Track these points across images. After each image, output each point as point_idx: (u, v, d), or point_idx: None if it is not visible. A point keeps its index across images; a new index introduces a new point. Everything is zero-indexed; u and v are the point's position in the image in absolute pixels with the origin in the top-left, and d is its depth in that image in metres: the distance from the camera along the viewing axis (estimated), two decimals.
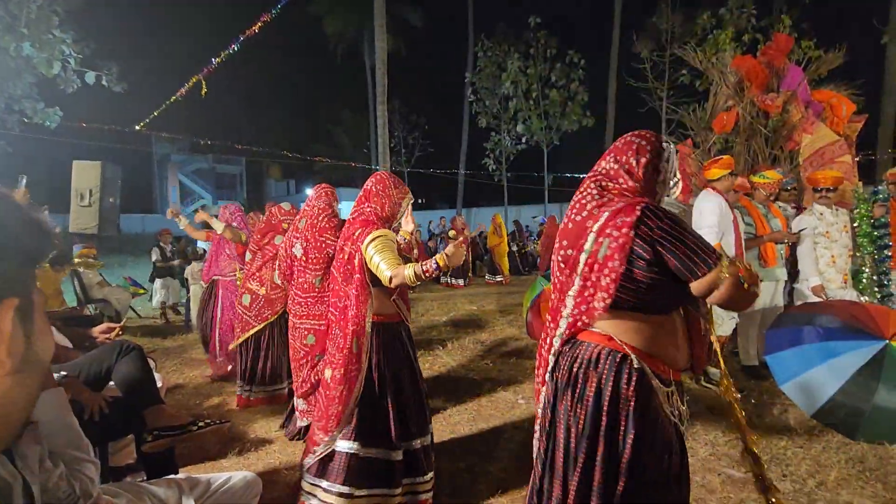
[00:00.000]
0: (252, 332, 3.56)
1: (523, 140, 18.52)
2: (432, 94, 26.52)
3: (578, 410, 1.35)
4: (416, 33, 22.19)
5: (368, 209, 2.22)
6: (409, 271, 1.92)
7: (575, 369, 1.38)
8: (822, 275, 3.82)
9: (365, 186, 2.27)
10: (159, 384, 2.51)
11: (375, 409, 2.12)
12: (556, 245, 1.49)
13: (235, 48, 6.45)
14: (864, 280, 3.99)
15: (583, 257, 1.35)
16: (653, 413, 1.31)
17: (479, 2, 21.62)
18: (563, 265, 1.44)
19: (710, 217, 3.59)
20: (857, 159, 5.24)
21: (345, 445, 2.08)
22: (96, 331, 2.37)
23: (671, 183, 1.46)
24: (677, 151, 1.38)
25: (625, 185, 1.41)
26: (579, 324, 1.38)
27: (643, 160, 1.41)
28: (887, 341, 2.91)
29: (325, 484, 2.07)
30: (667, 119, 13.57)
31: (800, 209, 4.54)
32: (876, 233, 3.99)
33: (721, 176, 3.74)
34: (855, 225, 4.02)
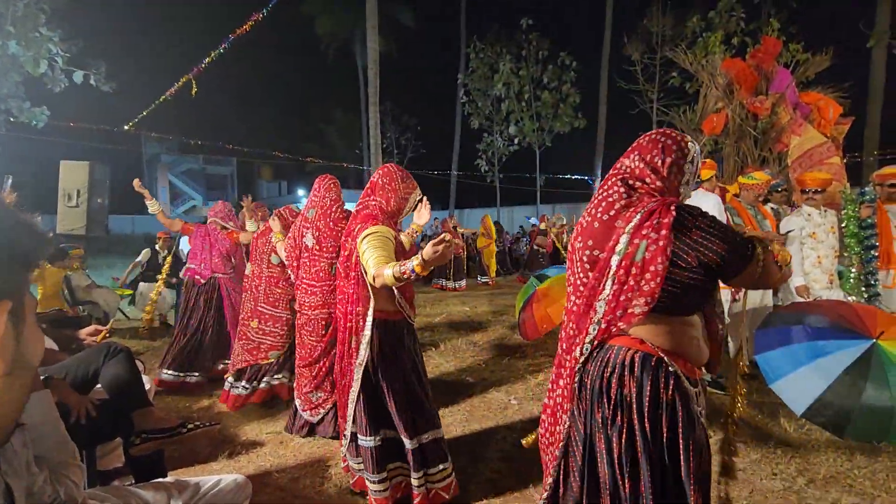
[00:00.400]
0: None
1: (515, 141, 18.57)
2: (424, 95, 26.55)
3: (619, 418, 1.30)
4: (408, 34, 22.21)
5: (373, 203, 2.16)
6: (388, 271, 1.85)
7: (607, 375, 1.33)
8: (807, 275, 3.87)
9: (371, 179, 2.22)
10: (147, 386, 2.48)
11: (380, 404, 2.15)
12: (577, 245, 1.42)
13: (226, 47, 6.40)
14: (852, 280, 4.03)
15: (615, 259, 1.30)
16: (692, 415, 1.29)
17: (471, 3, 21.69)
18: (588, 266, 1.39)
19: (714, 213, 3.64)
20: (844, 161, 5.31)
21: (367, 442, 2.15)
22: (83, 333, 2.34)
23: (691, 185, 1.42)
24: (700, 153, 1.35)
25: (652, 185, 1.36)
26: (613, 329, 1.33)
27: (668, 160, 1.37)
28: (874, 340, 2.94)
29: (367, 475, 2.19)
30: (657, 121, 13.69)
31: (794, 209, 4.59)
32: (863, 233, 4.04)
33: (710, 177, 3.83)
34: (843, 226, 4.07)
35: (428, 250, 1.77)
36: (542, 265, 8.66)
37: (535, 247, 10.48)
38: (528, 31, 17.07)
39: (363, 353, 2.09)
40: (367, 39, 11.92)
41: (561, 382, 1.49)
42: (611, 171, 1.46)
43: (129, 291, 7.77)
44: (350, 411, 2.16)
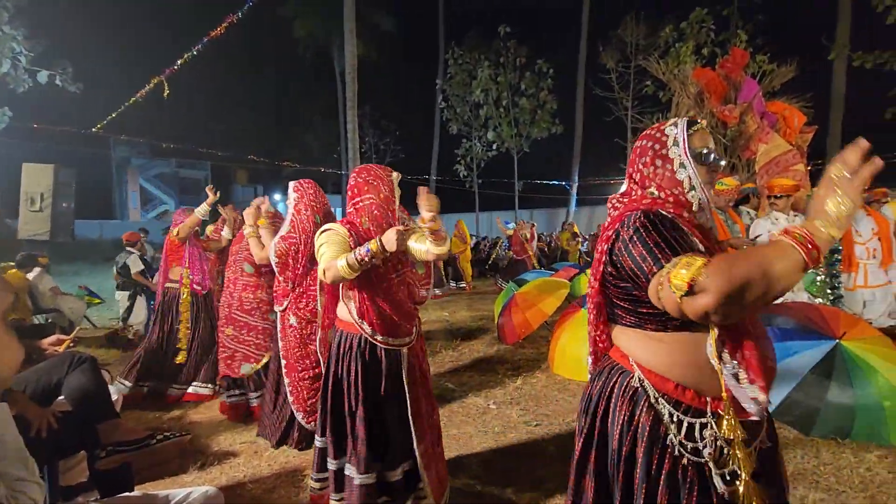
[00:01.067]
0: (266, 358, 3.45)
1: (494, 147, 18.72)
2: (403, 100, 26.48)
3: (585, 426, 1.27)
4: (387, 38, 22.17)
5: (366, 202, 2.09)
6: (342, 262, 1.83)
7: (595, 389, 1.27)
8: None
9: (350, 184, 2.15)
10: (114, 397, 2.39)
11: (344, 422, 2.02)
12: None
13: (200, 49, 6.28)
14: (818, 283, 4.18)
15: (603, 269, 1.28)
16: (661, 446, 1.13)
17: (449, 9, 21.84)
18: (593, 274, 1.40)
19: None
20: (808, 168, 5.52)
21: (331, 464, 2.04)
22: (45, 342, 2.25)
23: (711, 160, 1.24)
24: (695, 130, 1.24)
25: (634, 195, 1.28)
26: (600, 343, 1.32)
27: (647, 160, 1.26)
28: (837, 341, 3.06)
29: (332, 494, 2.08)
30: (632, 127, 13.99)
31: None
32: None
33: None
34: None
35: (389, 235, 1.84)
36: (517, 271, 8.68)
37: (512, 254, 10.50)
38: (506, 38, 17.28)
39: (329, 364, 2.04)
40: (345, 43, 11.86)
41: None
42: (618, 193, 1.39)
43: (97, 300, 7.49)
44: (320, 421, 2.10)
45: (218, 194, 3.92)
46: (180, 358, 3.91)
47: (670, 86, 6.58)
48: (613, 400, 1.20)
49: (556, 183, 19.52)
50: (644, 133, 1.33)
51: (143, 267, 6.17)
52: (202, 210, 3.96)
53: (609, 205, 1.34)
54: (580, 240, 13.34)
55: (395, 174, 2.21)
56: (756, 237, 4.06)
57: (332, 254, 1.90)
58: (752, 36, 9.35)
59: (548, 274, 6.71)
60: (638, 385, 1.17)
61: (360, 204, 2.08)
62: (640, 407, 1.15)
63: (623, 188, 1.35)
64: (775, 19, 11.93)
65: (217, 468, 2.76)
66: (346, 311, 2.03)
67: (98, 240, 20.08)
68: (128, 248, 6.23)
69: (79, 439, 1.96)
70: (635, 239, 1.10)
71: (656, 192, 1.24)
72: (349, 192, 2.14)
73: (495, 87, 17.76)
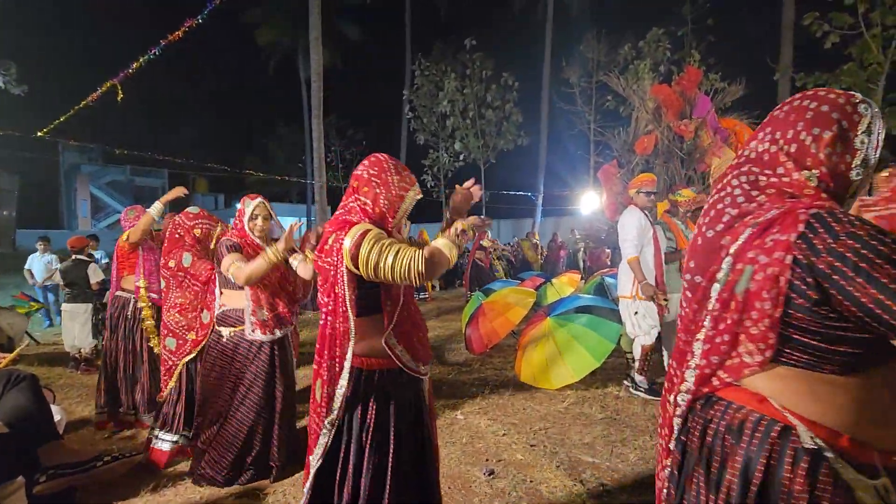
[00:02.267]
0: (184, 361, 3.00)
1: (461, 157, 18.88)
2: (370, 109, 26.44)
3: (714, 500, 0.96)
4: (353, 47, 22.13)
5: (353, 204, 1.62)
6: (440, 245, 1.53)
7: (710, 439, 0.99)
8: None
9: (355, 173, 1.66)
10: (57, 418, 2.23)
11: (343, 487, 1.55)
12: (685, 264, 1.14)
13: (157, 53, 6.06)
14: None
15: (715, 289, 0.98)
16: None
17: (416, 21, 22.01)
18: (689, 294, 1.08)
19: (630, 231, 3.85)
20: None
21: None
22: None
23: (872, 165, 0.95)
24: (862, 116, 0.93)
25: (788, 179, 0.95)
26: (714, 381, 0.99)
27: (826, 136, 0.92)
28: None
29: None
30: (595, 140, 14.42)
31: None
32: None
33: (636, 190, 4.07)
34: None
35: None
36: (483, 280, 8.72)
37: (476, 261, 10.48)
38: (472, 51, 17.54)
39: (336, 410, 1.54)
40: (310, 51, 11.75)
41: (664, 432, 1.15)
42: (734, 161, 1.07)
43: (39, 304, 7.01)
44: (308, 483, 1.57)
45: (185, 190, 3.44)
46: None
47: (630, 101, 6.83)
48: (754, 456, 0.91)
49: (522, 193, 19.85)
50: (820, 95, 0.96)
51: (104, 277, 5.53)
52: (156, 209, 3.43)
53: (737, 179, 1.00)
54: (541, 250, 13.61)
55: (414, 189, 1.69)
56: None
57: (398, 246, 1.46)
58: (705, 56, 9.84)
59: (514, 283, 6.77)
60: (812, 444, 0.88)
61: (352, 203, 1.64)
62: (818, 472, 0.87)
63: (748, 153, 1.02)
64: (725, 41, 12.62)
65: (171, 490, 2.61)
66: (377, 341, 1.58)
67: None
68: (77, 256, 5.43)
69: (16, 463, 1.81)
70: (876, 262, 0.79)
71: (815, 181, 0.93)
72: (350, 184, 1.68)
73: (462, 98, 17.95)
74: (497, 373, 4.72)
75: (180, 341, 3.01)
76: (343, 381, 1.53)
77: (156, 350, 3.45)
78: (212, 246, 3.12)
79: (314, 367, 1.60)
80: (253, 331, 2.62)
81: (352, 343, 1.53)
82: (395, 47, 22.50)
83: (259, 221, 2.68)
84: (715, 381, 0.99)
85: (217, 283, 2.81)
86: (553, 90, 17.64)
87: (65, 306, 5.43)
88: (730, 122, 6.22)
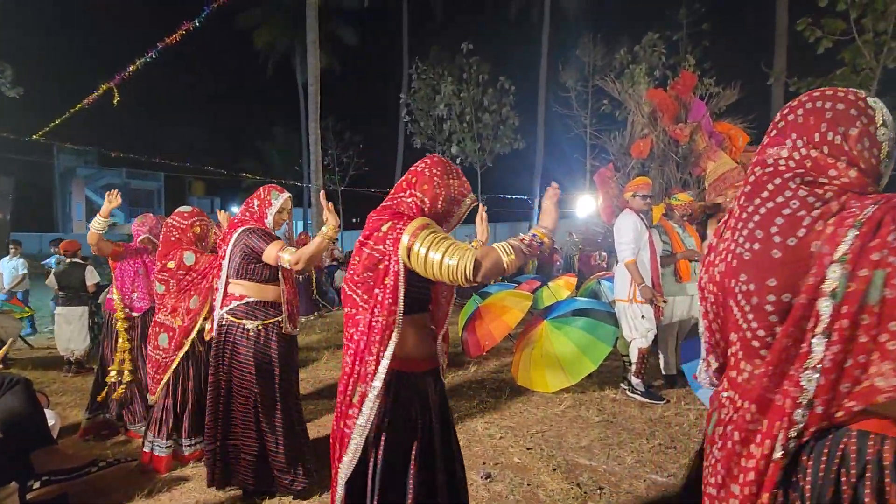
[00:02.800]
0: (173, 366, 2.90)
1: (457, 161, 18.91)
2: (367, 113, 26.48)
3: None
4: (350, 50, 22.19)
5: (410, 200, 1.56)
6: (502, 248, 1.38)
7: (845, 480, 0.86)
8: None
9: (413, 169, 1.62)
10: (52, 422, 2.22)
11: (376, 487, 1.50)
12: (731, 284, 0.99)
13: (154, 55, 6.05)
14: None
15: (825, 305, 0.85)
16: None
17: (413, 24, 22.09)
18: (758, 315, 0.94)
19: (627, 234, 3.87)
20: None
21: None
22: None
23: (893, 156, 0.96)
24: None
25: (844, 179, 0.92)
26: (839, 413, 0.85)
27: (853, 132, 0.92)
28: None
29: None
30: (591, 144, 14.48)
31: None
32: None
33: (632, 194, 4.08)
34: None
35: (552, 214, 1.71)
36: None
37: None
38: (469, 55, 17.60)
39: (368, 412, 1.45)
40: (307, 54, 11.77)
41: (735, 490, 0.97)
42: (758, 171, 1.00)
43: (29, 311, 6.95)
44: (339, 493, 1.51)
45: (119, 198, 3.28)
46: (116, 393, 3.31)
47: (626, 105, 6.86)
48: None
49: (519, 197, 19.90)
50: (829, 94, 0.96)
51: (99, 279, 5.54)
52: (98, 223, 3.26)
53: (785, 185, 0.93)
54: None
55: (469, 196, 1.70)
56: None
57: (450, 242, 1.39)
58: (700, 60, 9.92)
59: (511, 287, 6.78)
60: None
61: (408, 198, 1.57)
62: None
63: (782, 162, 0.97)
64: (720, 45, 12.73)
65: (166, 495, 2.60)
66: (419, 341, 1.55)
67: (37, 254, 18.85)
68: (72, 260, 5.43)
69: (9, 469, 1.79)
70: None
71: (854, 176, 0.92)
72: (404, 178, 1.62)
73: (459, 102, 18.01)
74: (493, 376, 4.71)
75: (170, 333, 2.91)
76: (378, 382, 1.44)
77: (124, 379, 3.31)
78: (211, 241, 3.12)
79: (346, 364, 1.51)
80: (291, 325, 2.56)
81: (394, 340, 1.44)
82: (392, 51, 22.58)
83: (285, 215, 2.62)
84: (840, 414, 0.85)
85: (224, 275, 2.52)
86: (549, 94, 17.73)
87: (59, 310, 5.40)
88: (724, 126, 6.26)
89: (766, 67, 11.19)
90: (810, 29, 8.14)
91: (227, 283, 2.52)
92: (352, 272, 1.54)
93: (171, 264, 2.92)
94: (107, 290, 4.98)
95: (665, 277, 4.11)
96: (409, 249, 1.39)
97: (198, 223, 3.04)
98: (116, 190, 3.29)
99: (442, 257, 1.36)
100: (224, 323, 2.47)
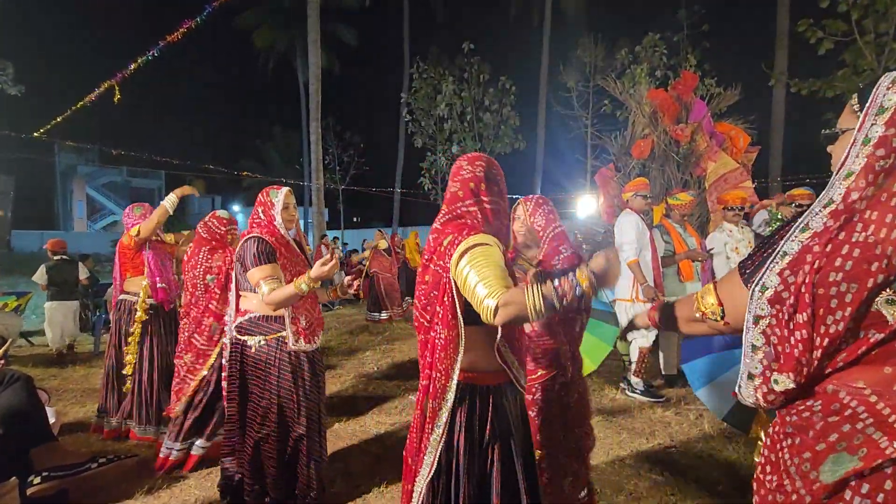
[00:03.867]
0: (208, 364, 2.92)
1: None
2: (368, 113, 26.53)
3: None
4: (351, 50, 22.18)
5: (473, 208, 1.51)
6: (538, 299, 1.24)
7: None
8: None
9: (476, 174, 1.52)
10: (52, 419, 2.23)
11: None
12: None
13: (155, 54, 6.06)
14: None
15: None
16: None
17: (414, 24, 22.09)
18: None
19: (629, 233, 3.87)
20: (753, 185, 5.86)
21: None
22: None
23: None
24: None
25: None
26: None
27: None
28: None
29: None
30: (592, 144, 14.48)
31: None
32: None
33: (630, 195, 4.10)
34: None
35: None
36: None
37: None
38: (470, 55, 17.61)
39: (441, 428, 1.42)
40: (308, 54, 11.77)
41: None
42: None
43: (30, 294, 6.92)
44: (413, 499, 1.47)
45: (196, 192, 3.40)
46: (127, 385, 3.30)
47: (627, 105, 6.86)
48: None
49: (519, 197, 19.94)
50: None
51: (89, 274, 5.90)
52: (171, 201, 3.28)
53: None
54: None
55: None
56: (710, 249, 4.24)
57: (498, 278, 1.30)
58: (701, 61, 9.91)
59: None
60: None
61: (483, 205, 1.53)
62: None
63: None
64: (721, 46, 12.72)
65: (166, 492, 2.60)
66: (486, 353, 1.48)
67: (38, 252, 18.87)
68: (61, 257, 5.78)
69: (10, 464, 1.80)
70: None
71: None
72: (468, 182, 1.53)
73: (459, 101, 18.01)
74: None
75: (197, 355, 2.92)
76: (449, 396, 1.41)
77: (126, 370, 3.28)
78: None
79: (422, 380, 1.48)
80: (297, 340, 2.34)
81: (460, 354, 1.40)
82: (392, 50, 22.60)
83: (291, 210, 2.47)
84: None
85: (234, 287, 2.44)
86: (550, 94, 17.73)
87: (49, 304, 5.61)
88: (724, 126, 6.26)
89: (767, 68, 11.20)
90: (811, 30, 8.14)
91: (238, 297, 2.42)
92: (419, 294, 1.51)
93: (217, 262, 2.93)
94: (110, 287, 5.06)
95: (667, 277, 4.11)
96: (457, 265, 1.36)
97: (231, 232, 3.07)
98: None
99: (475, 284, 1.30)
100: (234, 341, 2.37)
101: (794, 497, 0.90)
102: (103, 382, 3.41)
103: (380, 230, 9.76)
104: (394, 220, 22.88)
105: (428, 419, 1.43)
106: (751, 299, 0.96)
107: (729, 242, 4.22)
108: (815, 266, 0.89)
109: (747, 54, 13.47)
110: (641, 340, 3.96)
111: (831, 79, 8.69)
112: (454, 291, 1.39)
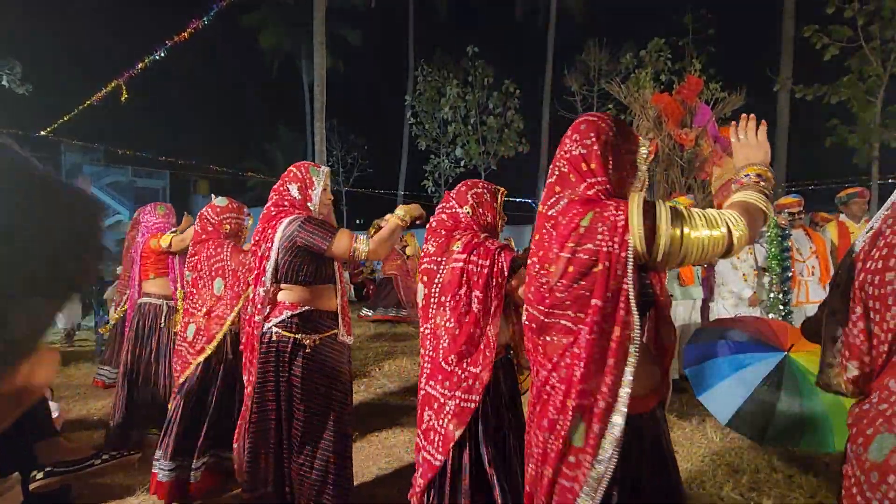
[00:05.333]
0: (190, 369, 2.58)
1: (462, 163, 18.95)
2: (372, 114, 26.59)
3: None
4: (355, 51, 22.27)
5: (589, 192, 1.23)
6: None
7: None
8: (734, 293, 4.19)
9: (591, 140, 1.29)
10: (55, 414, 2.24)
11: None
12: None
13: (161, 54, 6.10)
14: (771, 298, 4.39)
15: None
16: None
17: (418, 26, 22.17)
18: None
19: None
20: None
21: None
22: None
23: None
24: None
25: None
26: None
27: None
28: (786, 353, 3.21)
29: None
30: None
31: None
32: (780, 256, 4.43)
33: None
34: (766, 247, 4.44)
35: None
36: None
37: None
38: (474, 58, 17.65)
39: (605, 459, 1.10)
40: (313, 55, 11.81)
41: None
42: None
43: None
44: None
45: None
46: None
47: (631, 109, 6.87)
48: None
49: (523, 200, 19.91)
50: None
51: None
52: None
53: None
54: None
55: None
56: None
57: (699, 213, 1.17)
58: (706, 66, 9.92)
59: None
60: None
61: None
62: None
63: None
64: (726, 51, 12.73)
65: None
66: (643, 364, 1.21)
67: None
68: None
69: (12, 460, 1.81)
70: None
71: None
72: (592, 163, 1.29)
73: (463, 104, 18.05)
74: None
75: (198, 325, 2.59)
76: (618, 418, 1.09)
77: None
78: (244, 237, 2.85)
79: (550, 399, 1.18)
80: (345, 333, 2.18)
81: (633, 360, 1.10)
82: (397, 52, 22.66)
83: (329, 192, 2.25)
84: None
85: (269, 280, 2.06)
86: (554, 97, 17.75)
87: None
88: (729, 130, 6.26)
89: (772, 73, 11.18)
90: (817, 35, 8.14)
91: (274, 290, 2.10)
92: (547, 288, 1.18)
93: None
94: (113, 285, 5.12)
95: (668, 282, 4.11)
96: (653, 230, 1.08)
97: (227, 220, 2.78)
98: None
99: (699, 234, 1.08)
100: (274, 338, 2.04)
101: (853, 480, 0.95)
102: (117, 395, 3.18)
103: (411, 233, 9.61)
104: None
105: (578, 447, 1.12)
106: (829, 294, 1.06)
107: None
108: (871, 267, 0.97)
109: (752, 59, 13.46)
110: None
111: (836, 84, 8.68)
112: (624, 280, 1.09)
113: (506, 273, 1.72)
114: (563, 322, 1.16)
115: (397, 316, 7.96)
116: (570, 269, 1.13)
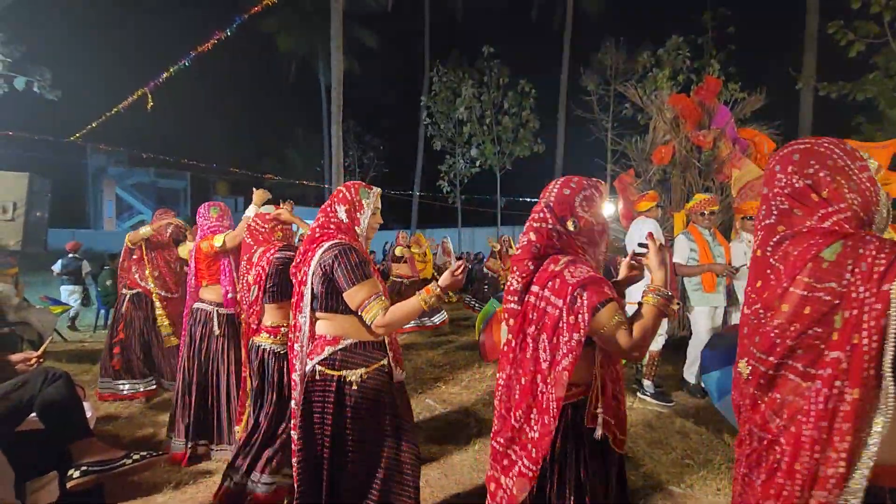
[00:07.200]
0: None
1: (477, 164, 18.96)
2: (388, 115, 26.72)
3: None
4: (371, 53, 22.42)
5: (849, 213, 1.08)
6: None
7: None
8: None
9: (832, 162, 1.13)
10: (89, 414, 2.34)
11: None
12: None
13: (186, 63, 6.25)
14: None
15: None
16: None
17: (434, 28, 22.24)
18: None
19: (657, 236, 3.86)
20: None
21: None
22: (15, 359, 2.18)
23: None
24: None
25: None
26: None
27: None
28: None
29: None
30: (612, 149, 14.35)
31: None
32: None
33: (650, 207, 4.11)
34: None
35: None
36: (485, 293, 8.49)
37: (486, 270, 9.64)
38: (490, 58, 17.63)
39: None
40: (331, 58, 11.95)
41: None
42: None
43: (61, 308, 7.29)
44: None
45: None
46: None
47: (648, 110, 6.80)
48: None
49: (538, 200, 19.87)
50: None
51: (90, 269, 8.64)
52: (252, 210, 3.14)
53: None
54: None
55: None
56: (741, 266, 4.05)
57: None
58: (725, 65, 9.75)
59: None
60: None
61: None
62: None
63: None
64: (747, 49, 12.47)
65: (192, 487, 2.70)
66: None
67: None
68: (73, 255, 8.52)
69: (51, 458, 1.91)
70: None
71: None
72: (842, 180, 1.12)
73: (479, 105, 18.05)
74: None
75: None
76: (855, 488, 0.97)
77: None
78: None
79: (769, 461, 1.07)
80: (396, 367, 1.95)
81: (883, 420, 0.96)
82: (412, 54, 22.75)
83: (379, 217, 2.08)
84: None
85: (307, 308, 1.91)
86: (570, 97, 17.63)
87: (64, 287, 8.38)
88: (749, 132, 6.15)
89: (795, 71, 10.94)
90: (842, 32, 7.94)
91: (312, 320, 1.92)
92: (778, 332, 1.02)
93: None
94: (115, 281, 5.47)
95: (689, 290, 4.11)
96: None
97: (278, 227, 2.79)
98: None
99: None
100: (318, 378, 1.84)
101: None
102: (176, 403, 3.14)
103: (445, 237, 9.34)
104: (412, 222, 23.04)
105: None
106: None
107: (748, 252, 4.16)
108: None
109: (773, 57, 13.20)
110: (652, 344, 3.95)
111: (862, 82, 8.46)
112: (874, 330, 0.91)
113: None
114: (787, 376, 1.02)
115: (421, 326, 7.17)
116: (807, 310, 0.97)
